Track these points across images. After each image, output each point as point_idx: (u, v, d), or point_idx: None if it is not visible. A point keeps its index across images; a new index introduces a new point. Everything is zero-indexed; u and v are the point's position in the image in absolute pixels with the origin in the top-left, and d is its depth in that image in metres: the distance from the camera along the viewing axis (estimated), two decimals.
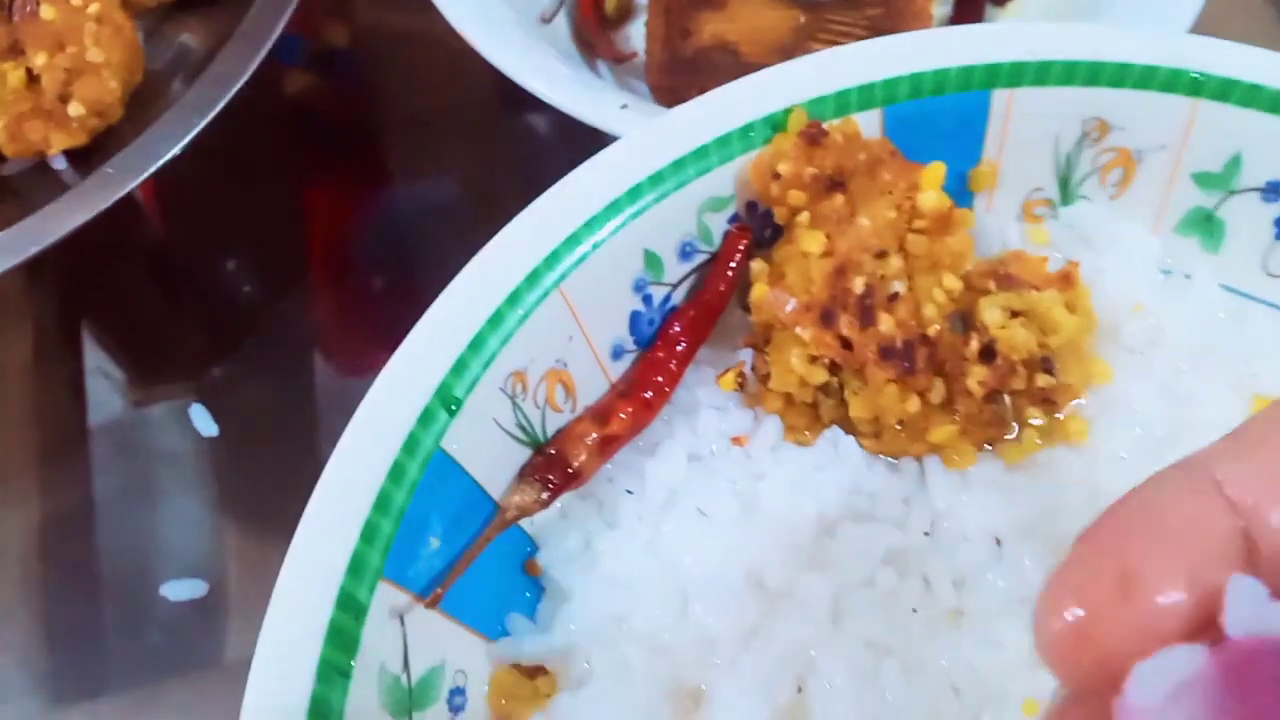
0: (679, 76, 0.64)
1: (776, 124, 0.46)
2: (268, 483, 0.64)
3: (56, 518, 0.64)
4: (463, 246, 0.75)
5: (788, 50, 0.65)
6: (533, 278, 0.42)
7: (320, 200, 0.80)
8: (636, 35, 0.70)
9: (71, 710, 0.58)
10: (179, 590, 0.56)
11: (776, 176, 0.45)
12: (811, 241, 0.45)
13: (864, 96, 0.47)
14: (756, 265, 0.46)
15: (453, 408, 0.40)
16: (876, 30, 0.66)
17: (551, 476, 0.42)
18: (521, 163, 0.81)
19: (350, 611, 0.35)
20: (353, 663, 0.35)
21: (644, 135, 0.46)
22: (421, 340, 0.40)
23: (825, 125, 0.46)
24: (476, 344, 0.41)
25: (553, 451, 0.43)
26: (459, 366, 0.40)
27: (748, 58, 0.64)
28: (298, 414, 0.65)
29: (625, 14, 0.71)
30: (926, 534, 0.43)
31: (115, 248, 0.73)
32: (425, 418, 0.39)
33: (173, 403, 0.65)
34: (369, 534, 0.37)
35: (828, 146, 0.45)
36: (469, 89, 0.83)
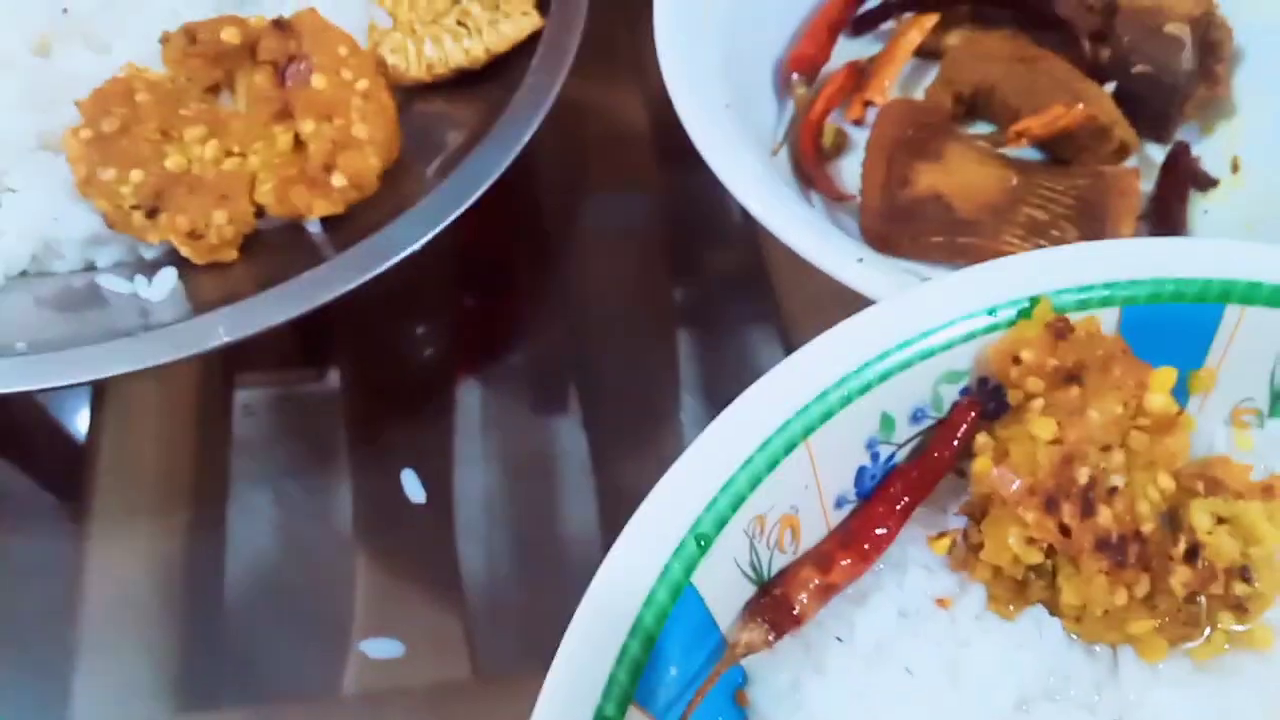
0: (893, 224, 0.67)
1: (1021, 310, 0.49)
2: (438, 545, 0.68)
3: (227, 551, 0.68)
4: (617, 327, 0.78)
5: (999, 209, 0.67)
6: (784, 428, 0.45)
7: (483, 268, 0.83)
8: (847, 170, 0.73)
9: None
10: (379, 649, 0.59)
11: (1016, 360, 0.48)
12: (1044, 428, 0.47)
13: (1106, 295, 0.49)
14: (981, 439, 0.48)
15: (702, 544, 0.43)
16: (1083, 200, 0.69)
17: (776, 617, 0.45)
18: (686, 257, 0.84)
19: None
20: None
21: (897, 304, 0.48)
22: (680, 478, 0.43)
23: (1070, 320, 0.48)
24: (729, 486, 0.44)
25: (778, 593, 0.46)
26: (712, 506, 0.43)
27: (960, 212, 0.67)
28: (487, 481, 0.68)
29: (839, 148, 0.74)
30: None
31: None
32: (680, 551, 0.42)
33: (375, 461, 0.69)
34: (623, 658, 0.39)
35: (1071, 341, 0.48)
36: (630, 168, 0.87)
